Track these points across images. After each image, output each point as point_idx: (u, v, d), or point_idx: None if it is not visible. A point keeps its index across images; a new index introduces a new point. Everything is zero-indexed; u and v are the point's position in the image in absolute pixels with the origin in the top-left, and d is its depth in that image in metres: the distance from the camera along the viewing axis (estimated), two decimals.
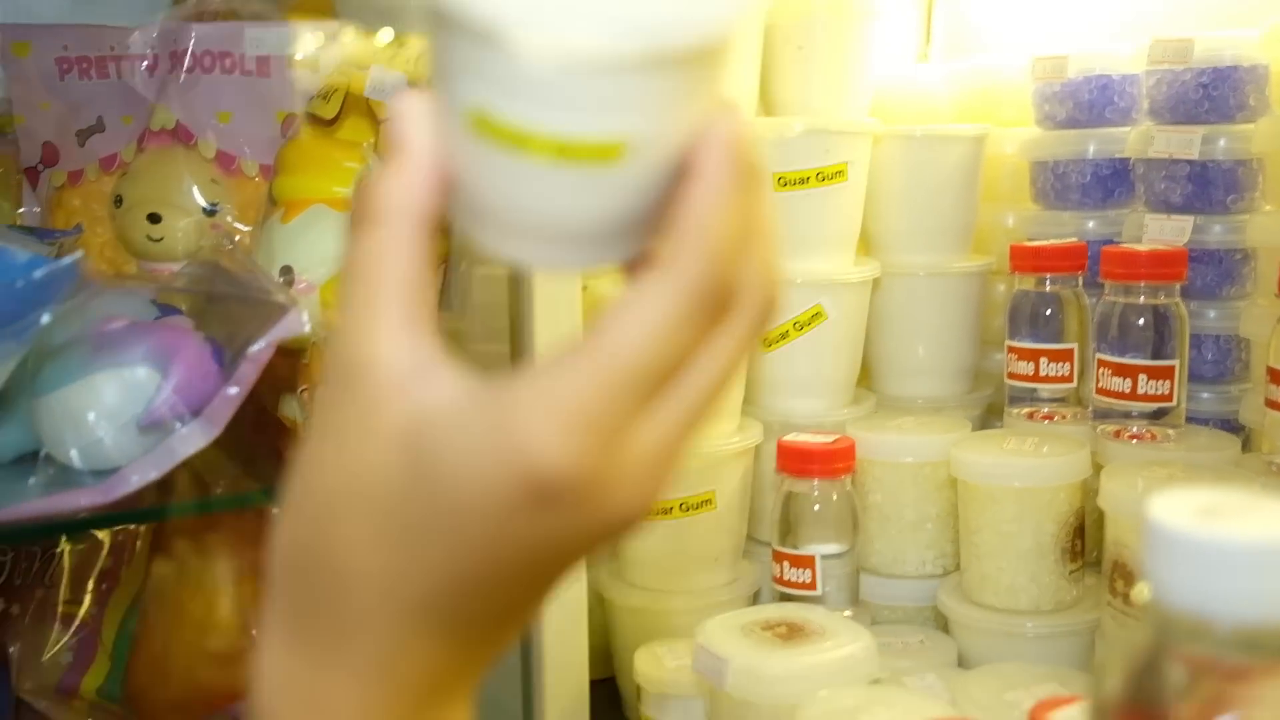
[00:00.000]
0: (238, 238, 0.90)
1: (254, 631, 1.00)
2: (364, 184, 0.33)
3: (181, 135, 0.92)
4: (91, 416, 0.66)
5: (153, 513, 0.66)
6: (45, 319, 0.62)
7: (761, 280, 0.33)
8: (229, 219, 0.93)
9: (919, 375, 1.00)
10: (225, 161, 0.93)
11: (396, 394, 0.32)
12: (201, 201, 0.92)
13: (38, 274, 0.61)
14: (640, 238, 0.35)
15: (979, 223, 1.02)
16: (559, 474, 0.31)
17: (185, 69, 0.92)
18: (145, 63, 0.92)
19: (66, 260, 0.62)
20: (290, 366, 0.77)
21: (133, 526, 0.97)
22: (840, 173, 0.89)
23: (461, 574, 0.33)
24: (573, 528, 0.33)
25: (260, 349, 0.66)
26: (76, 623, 0.96)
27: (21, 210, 0.93)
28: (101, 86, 0.92)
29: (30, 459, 0.70)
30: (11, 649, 0.94)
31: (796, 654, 0.70)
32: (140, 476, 0.65)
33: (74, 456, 0.66)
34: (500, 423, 0.31)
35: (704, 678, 0.72)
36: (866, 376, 1.01)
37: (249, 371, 0.66)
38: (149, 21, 0.95)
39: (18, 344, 0.62)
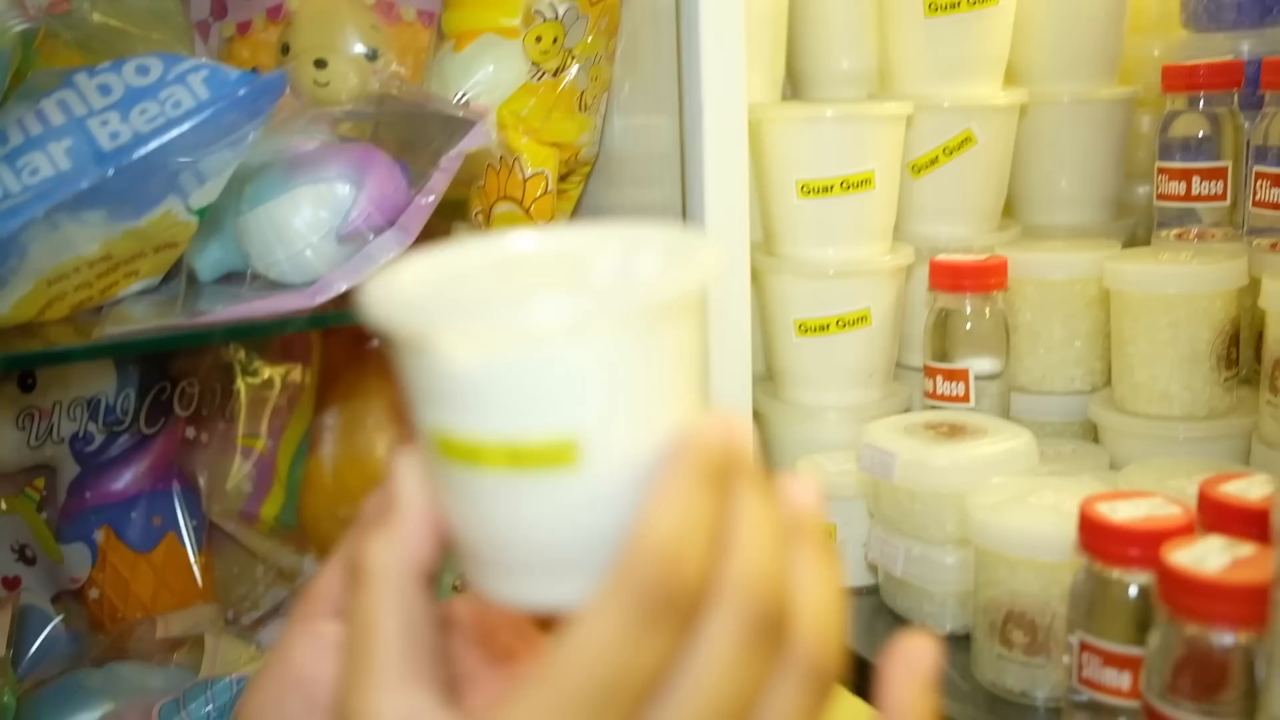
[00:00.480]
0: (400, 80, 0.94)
1: None
2: (358, 542, 0.34)
3: None
4: (295, 229, 0.71)
5: (350, 315, 0.71)
6: (257, 131, 0.66)
7: (741, 572, 0.30)
8: (389, 64, 0.96)
9: (1062, 205, 1.00)
10: (385, 8, 0.97)
11: None
12: (363, 48, 0.95)
13: (252, 87, 0.65)
14: None
15: (1125, 53, 1.01)
16: None
17: None
18: None
19: (278, 74, 0.66)
20: (465, 192, 0.81)
21: (300, 367, 1.03)
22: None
23: None
24: None
25: (452, 157, 0.70)
26: (254, 455, 1.02)
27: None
28: None
29: (233, 276, 0.76)
30: (200, 476, 1.01)
31: (961, 447, 0.73)
32: (343, 281, 0.70)
33: (279, 267, 0.71)
34: None
35: (871, 473, 0.75)
36: (1010, 207, 1.02)
37: (441, 180, 0.70)
38: None
39: (234, 154, 0.66)
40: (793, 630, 0.31)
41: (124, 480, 0.96)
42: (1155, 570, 0.55)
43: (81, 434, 0.94)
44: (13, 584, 0.97)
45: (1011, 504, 0.67)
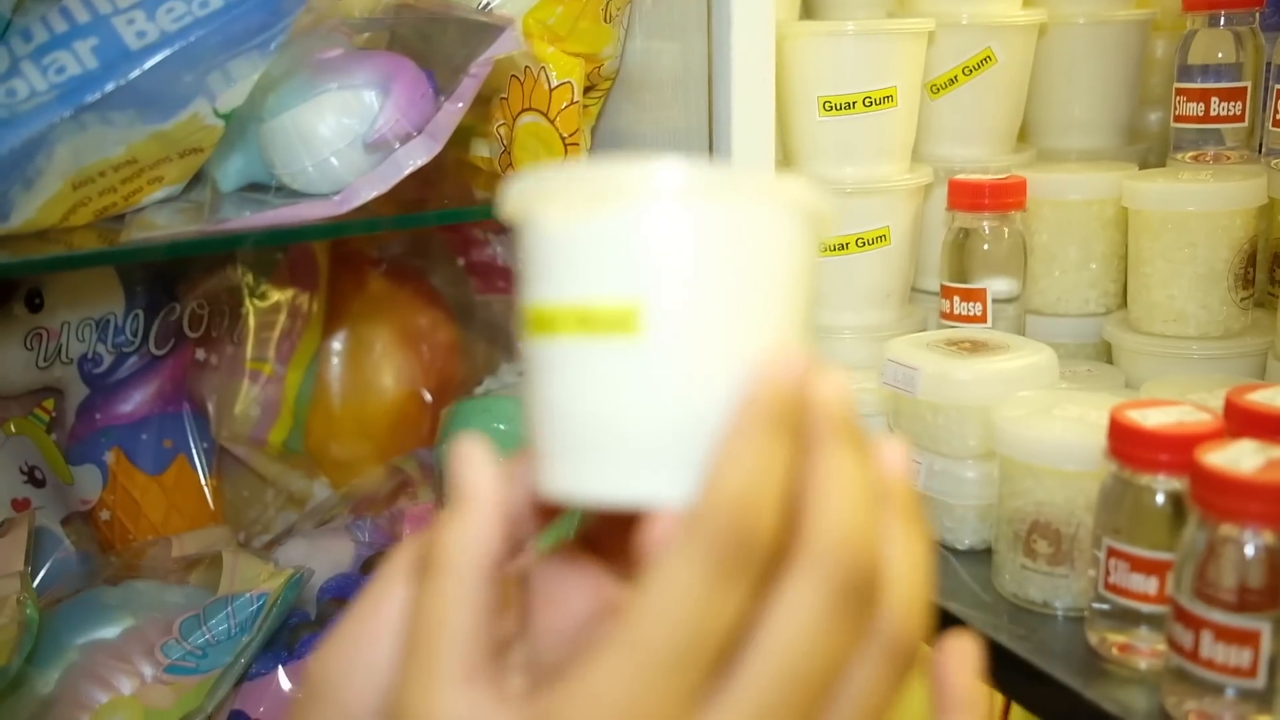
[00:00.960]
0: None
1: (420, 386, 1.06)
2: (432, 531, 0.32)
3: None
4: (320, 136, 0.70)
5: (377, 223, 0.70)
6: (285, 33, 0.65)
7: (827, 532, 0.29)
8: None
9: (1077, 129, 1.00)
10: None
11: None
12: None
13: None
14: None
15: None
16: None
17: None
18: None
19: None
20: (488, 105, 0.80)
21: (307, 293, 1.03)
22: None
23: None
24: None
25: (481, 63, 0.69)
26: (262, 379, 1.02)
27: None
28: None
29: (258, 186, 0.75)
30: (209, 400, 1.01)
31: (984, 362, 0.74)
32: (370, 189, 0.69)
33: (305, 175, 0.71)
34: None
35: (893, 387, 0.76)
36: (1024, 131, 1.01)
37: (470, 87, 0.69)
38: None
39: (261, 56, 0.65)
40: (882, 601, 0.30)
41: (133, 402, 0.95)
42: (1188, 473, 0.56)
43: (90, 355, 0.93)
44: (23, 505, 0.96)
45: (1037, 415, 0.67)
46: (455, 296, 1.10)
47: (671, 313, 0.30)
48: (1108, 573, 0.61)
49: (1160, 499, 0.59)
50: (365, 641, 0.34)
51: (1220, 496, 0.53)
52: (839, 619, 0.29)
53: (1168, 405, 0.61)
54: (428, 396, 1.05)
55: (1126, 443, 0.59)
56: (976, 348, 0.76)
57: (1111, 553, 0.61)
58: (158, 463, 0.96)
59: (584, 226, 0.30)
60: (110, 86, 0.61)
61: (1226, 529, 0.54)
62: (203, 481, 0.98)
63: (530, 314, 0.31)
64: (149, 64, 0.62)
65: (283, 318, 1.04)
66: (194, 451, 0.98)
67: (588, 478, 0.31)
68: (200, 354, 0.99)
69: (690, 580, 0.28)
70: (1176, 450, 0.58)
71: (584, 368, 0.31)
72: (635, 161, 0.30)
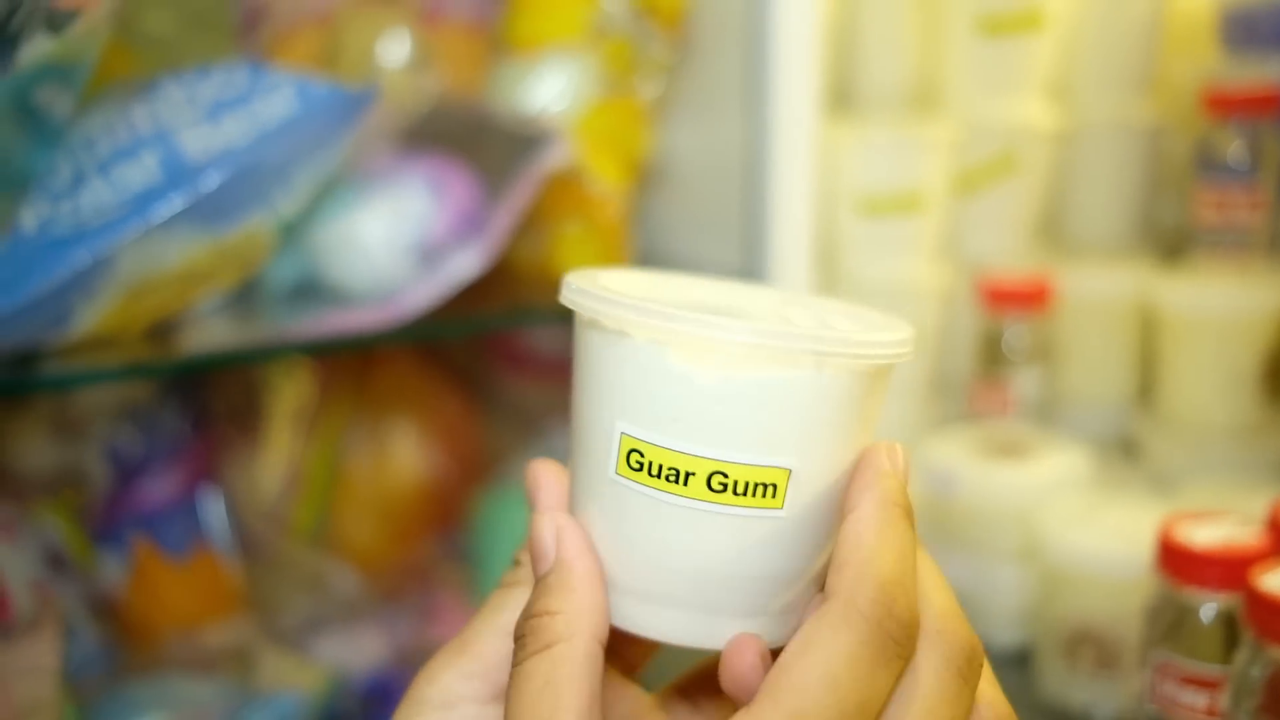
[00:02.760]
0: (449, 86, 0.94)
1: (446, 469, 1.07)
2: (531, 608, 0.32)
3: None
4: (372, 241, 0.71)
5: (427, 330, 0.71)
6: (346, 143, 0.66)
7: (942, 616, 0.31)
8: (437, 71, 0.96)
9: (1100, 221, 1.02)
10: (432, 15, 0.97)
11: None
12: (411, 54, 0.95)
13: (341, 99, 0.65)
14: (795, 609, 0.32)
15: (1160, 73, 1.03)
16: None
17: None
18: None
19: (369, 88, 0.66)
20: (533, 205, 0.81)
21: (335, 372, 1.03)
22: (1036, 20, 0.91)
23: None
24: None
25: (532, 173, 0.70)
26: (285, 454, 1.02)
27: None
28: None
29: (309, 287, 0.75)
30: (234, 481, 1.00)
31: (1021, 465, 0.75)
32: (420, 297, 0.70)
33: (356, 280, 0.71)
34: None
35: (931, 491, 0.77)
36: (1049, 223, 1.03)
37: (520, 196, 0.71)
38: None
39: (322, 167, 0.66)
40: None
41: (160, 486, 0.95)
42: (1242, 593, 0.57)
43: (118, 439, 0.93)
44: (45, 591, 0.96)
45: (1079, 522, 0.69)
46: (480, 376, 1.10)
47: (809, 480, 0.31)
48: (1155, 685, 0.62)
49: (1211, 616, 0.60)
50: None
51: (1276, 621, 0.55)
52: (965, 690, 0.31)
53: (1214, 519, 0.62)
54: (453, 479, 1.06)
55: (1177, 560, 0.60)
56: (1011, 448, 0.77)
57: (1160, 666, 0.62)
58: (183, 548, 0.95)
59: (740, 386, 0.29)
60: (176, 200, 0.62)
61: None
62: (226, 566, 0.98)
63: (638, 450, 0.30)
64: (214, 178, 0.63)
65: (310, 397, 1.04)
66: (218, 535, 0.97)
67: (671, 620, 0.32)
68: (228, 436, 0.99)
69: (849, 652, 0.29)
70: (1228, 569, 0.59)
71: (710, 527, 0.30)
72: (765, 304, 0.33)
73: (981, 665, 0.32)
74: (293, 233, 0.72)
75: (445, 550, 1.00)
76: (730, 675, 0.31)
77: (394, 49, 0.96)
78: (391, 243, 0.71)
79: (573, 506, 0.33)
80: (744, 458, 0.30)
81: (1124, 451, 0.91)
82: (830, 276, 0.89)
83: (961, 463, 0.75)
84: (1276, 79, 0.94)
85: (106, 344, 0.67)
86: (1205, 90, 0.92)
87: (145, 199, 0.62)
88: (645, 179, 0.84)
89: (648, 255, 0.87)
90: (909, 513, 0.31)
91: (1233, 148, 0.92)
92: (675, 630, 0.32)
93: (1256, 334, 0.82)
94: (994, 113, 0.93)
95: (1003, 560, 0.74)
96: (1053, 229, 1.03)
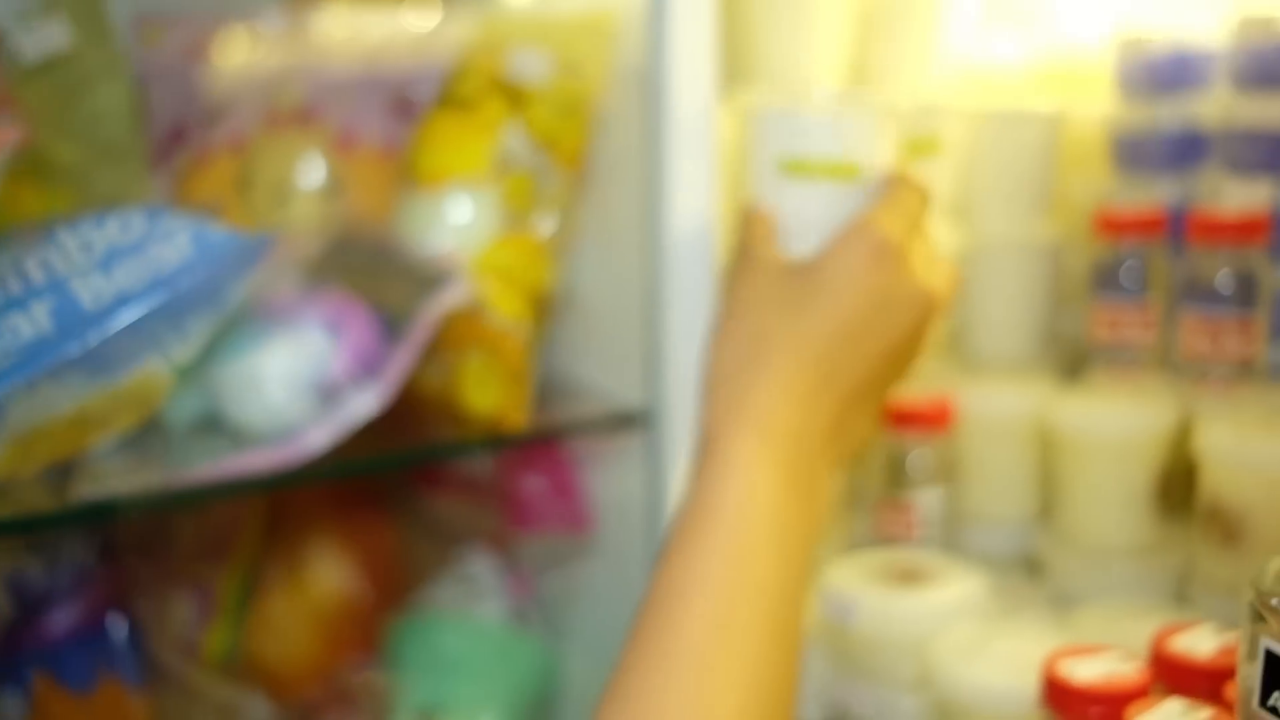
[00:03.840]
0: (362, 215, 0.95)
1: (362, 594, 1.06)
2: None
3: (305, 118, 0.97)
4: (271, 380, 0.71)
5: (328, 470, 0.71)
6: (242, 288, 0.67)
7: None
8: (350, 198, 0.98)
9: (1002, 337, 1.05)
10: (346, 142, 0.98)
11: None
12: (324, 181, 0.97)
13: (238, 246, 0.66)
14: None
15: (1056, 191, 1.06)
16: (888, 237, 0.62)
17: (310, 54, 0.97)
18: (271, 49, 0.97)
19: (264, 235, 0.67)
20: (435, 335, 0.82)
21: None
22: (935, 146, 0.94)
23: (840, 322, 0.60)
24: (901, 283, 0.62)
25: (431, 314, 0.71)
26: (197, 584, 1.01)
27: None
28: (228, 72, 0.97)
29: (208, 424, 0.76)
30: (143, 611, 0.99)
31: (918, 594, 0.76)
32: (319, 437, 0.70)
33: (255, 419, 0.72)
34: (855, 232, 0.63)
35: (830, 620, 0.77)
36: (953, 339, 1.06)
37: (420, 336, 0.71)
38: (266, 7, 1.00)
39: (217, 313, 0.67)
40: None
41: (63, 619, 0.93)
42: None
43: (20, 571, 0.92)
44: None
45: (970, 654, 0.70)
46: (398, 495, 1.10)
47: (871, 166, 0.68)
48: None
49: None
50: None
51: None
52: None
53: (1097, 654, 0.64)
54: (370, 603, 1.05)
55: (1060, 698, 0.61)
56: (910, 575, 0.78)
57: None
58: (87, 683, 0.93)
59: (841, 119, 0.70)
60: (67, 350, 0.62)
61: None
62: (133, 700, 0.96)
63: (790, 162, 0.68)
64: (105, 326, 0.63)
65: (222, 519, 1.04)
66: (125, 668, 0.96)
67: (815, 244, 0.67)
68: (135, 565, 0.98)
69: (906, 191, 0.66)
70: (1108, 706, 0.60)
71: (826, 195, 0.67)
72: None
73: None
74: (192, 372, 0.72)
75: (361, 675, 0.99)
76: None
77: (307, 175, 0.97)
78: (290, 382, 0.71)
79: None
80: (841, 154, 0.67)
81: (1028, 570, 0.92)
82: None
83: (861, 590, 0.76)
84: (1165, 202, 0.98)
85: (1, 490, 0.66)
86: (1097, 213, 0.96)
87: (35, 349, 0.62)
88: (549, 309, 0.86)
89: (552, 383, 0.88)
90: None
91: (1124, 268, 0.95)
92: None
93: (1148, 454, 0.84)
94: None
95: (902, 690, 0.74)
96: (956, 346, 1.06)
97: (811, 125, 0.67)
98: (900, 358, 0.64)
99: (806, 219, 0.65)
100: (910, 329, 0.63)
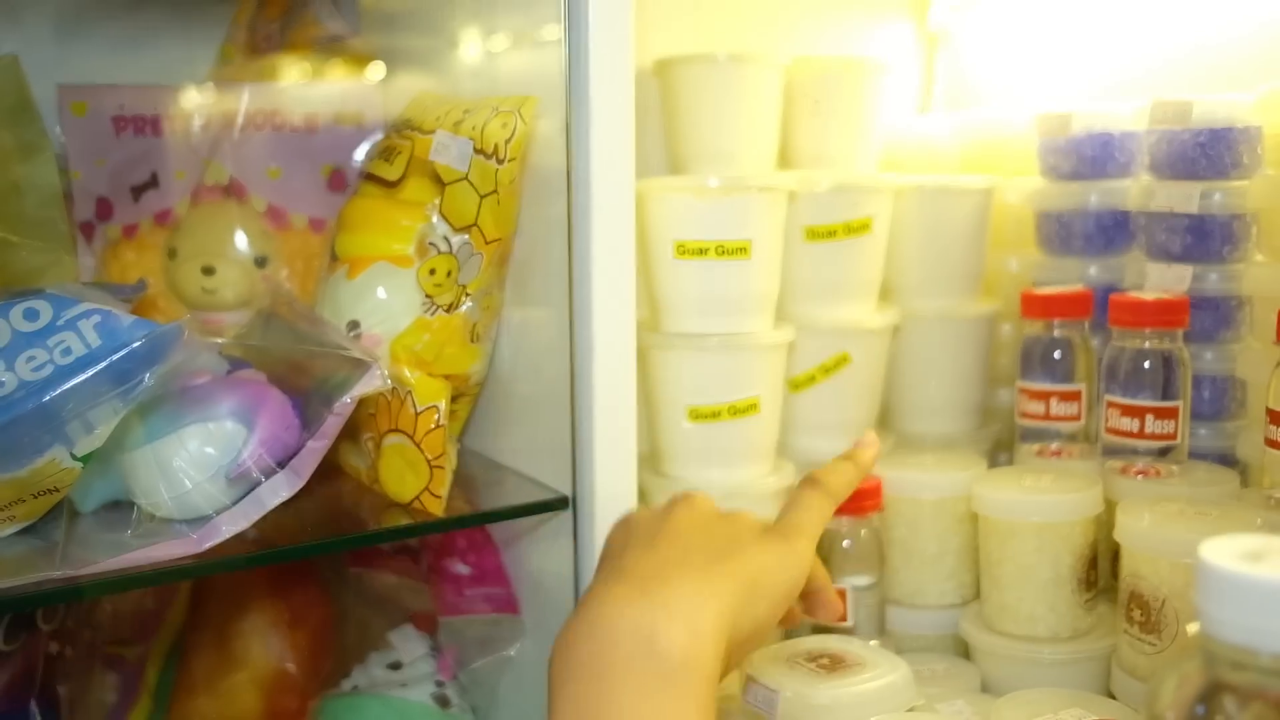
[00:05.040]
0: (289, 289, 0.94)
1: (290, 672, 1.04)
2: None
3: (234, 190, 0.97)
4: (182, 469, 0.70)
5: (241, 561, 0.70)
6: (150, 379, 0.66)
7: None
8: (279, 271, 0.97)
9: (933, 413, 1.05)
10: (275, 215, 0.98)
11: None
12: (252, 253, 0.96)
13: (147, 337, 0.65)
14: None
15: (986, 267, 1.07)
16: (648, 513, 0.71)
17: (237, 126, 0.97)
18: (198, 121, 0.96)
19: (173, 325, 0.66)
20: (355, 417, 0.81)
21: None
22: (866, 225, 0.95)
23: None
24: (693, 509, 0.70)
25: (345, 403, 0.70)
26: (121, 664, 0.99)
27: (77, 264, 0.96)
28: (155, 143, 0.96)
29: (116, 508, 0.74)
30: (62, 689, 0.97)
31: (841, 683, 0.75)
32: (231, 526, 0.69)
33: (165, 507, 0.70)
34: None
35: (755, 709, 0.76)
36: (884, 415, 1.06)
37: (334, 425, 0.70)
38: (194, 79, 0.99)
39: (124, 403, 0.66)
40: None
41: None
42: None
43: None
44: None
45: None
46: (332, 571, 1.08)
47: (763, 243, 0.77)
48: None
49: None
50: None
51: None
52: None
53: None
54: (297, 678, 1.03)
55: None
56: (835, 664, 0.78)
57: None
58: None
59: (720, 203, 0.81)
60: None
61: None
62: None
63: (682, 245, 0.79)
64: (5, 418, 0.62)
65: (147, 598, 1.02)
66: None
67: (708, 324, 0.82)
68: (53, 646, 0.96)
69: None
70: None
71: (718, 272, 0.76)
72: None
73: None
74: (102, 456, 0.71)
75: None
76: None
77: (235, 248, 0.97)
78: (202, 470, 0.70)
79: None
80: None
81: (961, 651, 0.92)
82: (663, 485, 0.90)
83: (784, 678, 0.75)
84: (1089, 282, 0.99)
85: None
86: (1024, 293, 0.96)
87: None
88: (471, 393, 0.85)
89: (478, 465, 0.87)
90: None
91: (1051, 349, 0.95)
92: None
93: (1075, 537, 0.84)
94: (826, 315, 0.96)
95: None
96: (888, 425, 1.06)
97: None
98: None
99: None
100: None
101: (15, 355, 0.64)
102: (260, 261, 0.96)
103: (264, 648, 1.02)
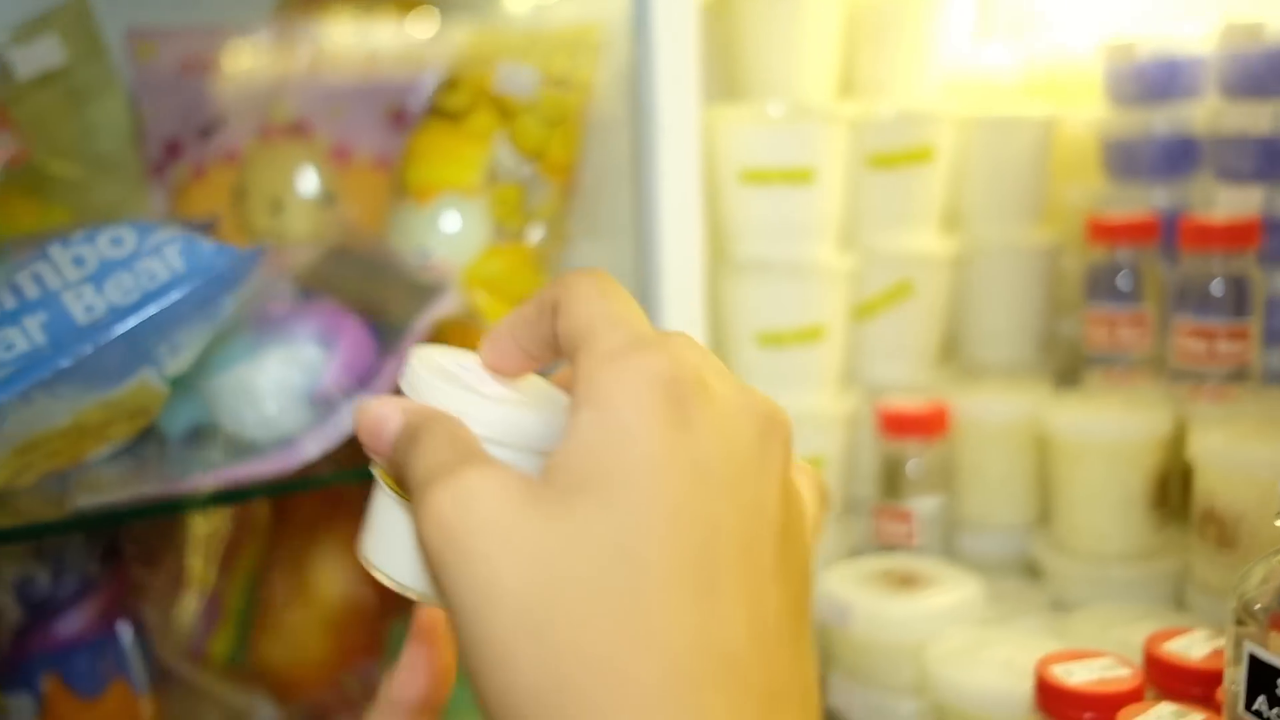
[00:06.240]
0: (357, 225, 0.95)
1: (365, 598, 1.06)
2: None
3: (300, 129, 0.98)
4: (265, 391, 0.72)
5: (324, 479, 0.72)
6: (233, 302, 0.67)
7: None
8: (345, 208, 0.98)
9: (997, 341, 1.05)
10: (340, 153, 0.99)
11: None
12: (319, 191, 0.97)
13: (228, 259, 0.67)
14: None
15: (1049, 196, 1.07)
16: (671, 369, 0.31)
17: (302, 67, 0.98)
18: (263, 62, 0.97)
19: (254, 249, 0.67)
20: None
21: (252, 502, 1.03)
22: (928, 153, 0.94)
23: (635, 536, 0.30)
24: (727, 423, 0.31)
25: (422, 324, 0.71)
26: (204, 591, 1.01)
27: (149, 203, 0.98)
28: (222, 85, 0.98)
29: (203, 432, 0.76)
30: (149, 616, 0.99)
31: (915, 599, 0.76)
32: (315, 446, 0.71)
33: (250, 429, 0.72)
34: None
35: (828, 623, 0.77)
36: (949, 343, 1.06)
37: (410, 346, 0.72)
38: (259, 21, 1.00)
39: (209, 325, 0.67)
40: None
41: (71, 625, 0.94)
42: None
43: (28, 577, 0.92)
44: None
45: (967, 658, 0.70)
46: None
47: None
48: None
49: None
50: None
51: None
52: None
53: (1090, 658, 0.64)
54: (374, 606, 1.05)
55: (1053, 701, 0.61)
56: (907, 581, 0.78)
57: None
58: (95, 687, 0.94)
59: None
60: (61, 363, 0.63)
61: None
62: (141, 704, 0.96)
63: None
64: (98, 339, 0.63)
65: (226, 528, 1.04)
66: (132, 672, 0.96)
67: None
68: (140, 570, 0.99)
69: (597, 284, 0.35)
70: (1100, 710, 0.60)
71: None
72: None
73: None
74: (187, 382, 0.73)
75: (366, 678, 0.99)
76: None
77: (302, 186, 0.98)
78: (284, 392, 0.72)
79: None
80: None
81: (1026, 573, 0.92)
82: None
83: (857, 594, 0.76)
84: (1157, 208, 0.98)
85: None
86: (1089, 219, 0.96)
87: (29, 362, 0.63)
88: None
89: None
90: None
91: (1118, 274, 0.95)
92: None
93: (1143, 459, 0.84)
94: (890, 243, 0.96)
95: (899, 694, 0.75)
96: (953, 353, 1.06)
97: None
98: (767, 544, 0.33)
99: None
100: (763, 492, 0.32)
101: (104, 280, 0.66)
102: (327, 199, 0.97)
103: (341, 574, 1.04)
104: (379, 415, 0.35)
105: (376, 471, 0.38)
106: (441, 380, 0.36)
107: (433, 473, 0.32)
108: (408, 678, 0.40)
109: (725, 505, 0.31)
